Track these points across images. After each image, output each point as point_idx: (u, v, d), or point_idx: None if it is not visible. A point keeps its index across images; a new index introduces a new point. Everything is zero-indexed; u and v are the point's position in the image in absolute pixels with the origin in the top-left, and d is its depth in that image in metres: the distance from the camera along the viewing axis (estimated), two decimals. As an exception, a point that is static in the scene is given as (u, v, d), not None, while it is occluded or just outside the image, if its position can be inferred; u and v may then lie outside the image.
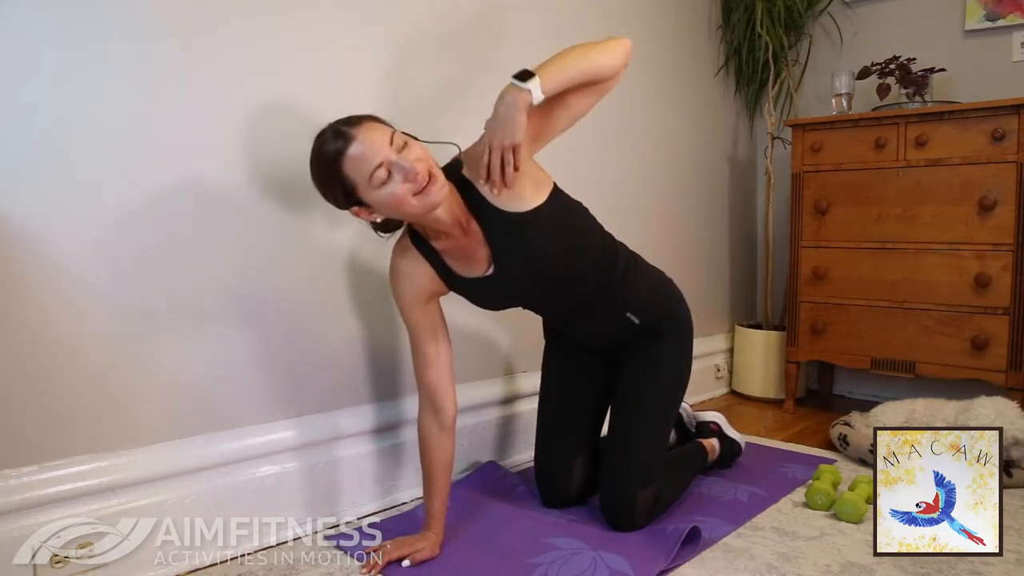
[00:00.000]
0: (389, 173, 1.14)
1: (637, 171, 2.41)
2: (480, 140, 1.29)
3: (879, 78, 2.35)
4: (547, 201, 1.31)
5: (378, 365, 1.64)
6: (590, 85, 1.29)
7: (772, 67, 2.67)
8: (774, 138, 2.73)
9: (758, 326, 2.78)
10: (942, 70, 2.31)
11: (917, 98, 2.29)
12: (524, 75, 1.20)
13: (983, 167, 2.08)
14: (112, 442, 1.25)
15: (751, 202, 3.04)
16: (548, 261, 1.32)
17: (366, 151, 1.12)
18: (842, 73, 2.43)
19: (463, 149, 1.33)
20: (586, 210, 1.44)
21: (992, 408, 1.75)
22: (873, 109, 2.34)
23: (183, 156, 1.31)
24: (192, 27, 1.31)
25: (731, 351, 2.87)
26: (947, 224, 2.15)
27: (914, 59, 2.31)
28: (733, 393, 2.83)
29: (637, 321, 1.49)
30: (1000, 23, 2.36)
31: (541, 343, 1.72)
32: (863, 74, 2.38)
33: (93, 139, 1.20)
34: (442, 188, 1.18)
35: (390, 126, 1.19)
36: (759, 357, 2.69)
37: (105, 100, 1.21)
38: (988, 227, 2.08)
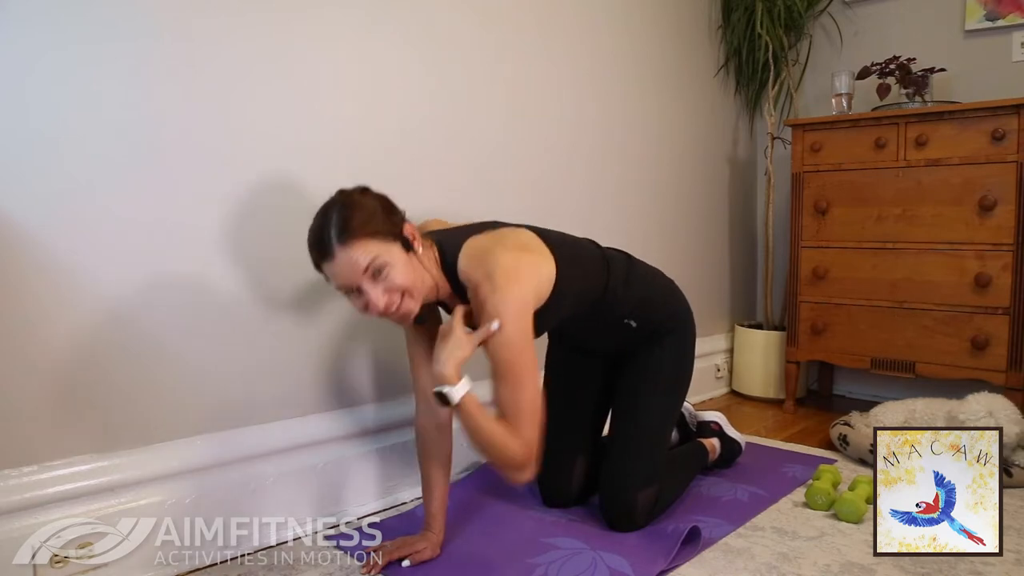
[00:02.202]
0: (354, 292, 1.18)
1: (637, 171, 2.41)
2: (481, 262, 1.23)
3: (879, 78, 2.35)
4: (542, 306, 1.28)
5: (379, 365, 1.64)
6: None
7: (772, 67, 2.67)
8: (774, 138, 2.73)
9: (758, 326, 2.78)
10: (942, 70, 2.31)
11: (917, 98, 2.29)
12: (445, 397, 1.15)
13: (983, 167, 2.08)
14: (112, 442, 1.25)
15: (751, 202, 3.04)
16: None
17: (338, 271, 1.15)
18: (842, 73, 2.43)
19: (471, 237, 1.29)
20: (579, 257, 1.39)
21: (984, 405, 1.75)
22: (873, 109, 2.34)
23: (183, 155, 1.31)
24: (191, 26, 1.31)
25: (731, 351, 2.87)
26: (947, 224, 2.15)
27: (914, 59, 2.31)
28: (733, 393, 2.83)
29: (635, 325, 1.49)
30: (1000, 23, 2.36)
31: (544, 343, 1.72)
32: (863, 74, 2.37)
33: (93, 139, 1.20)
34: (407, 319, 1.21)
35: (384, 235, 1.16)
36: (759, 357, 2.69)
37: (103, 100, 1.21)
38: (988, 227, 2.08)
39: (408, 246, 1.20)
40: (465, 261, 1.26)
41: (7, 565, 1.11)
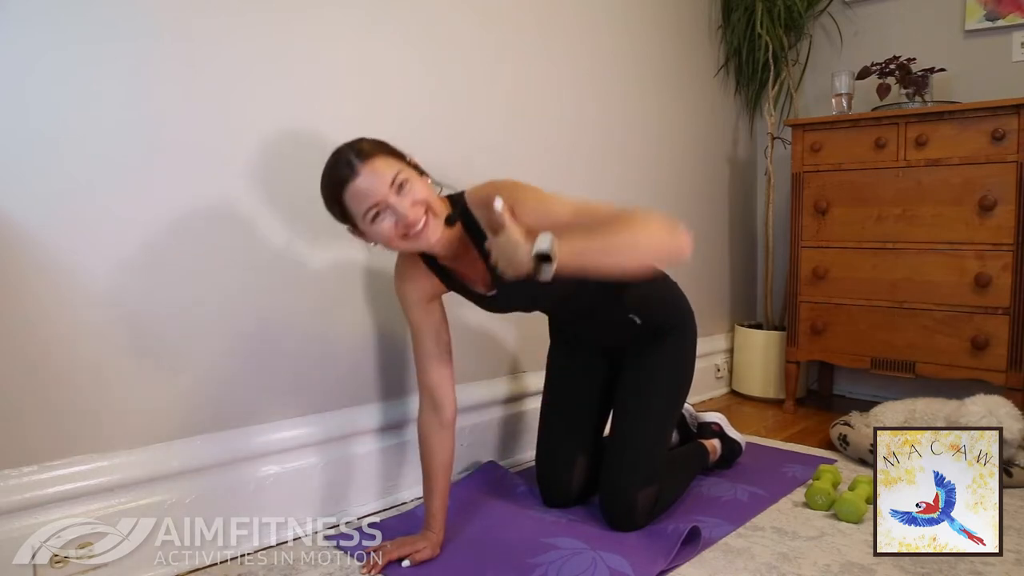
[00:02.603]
0: (382, 212, 1.17)
1: (637, 171, 2.41)
2: (486, 185, 1.29)
3: (879, 78, 2.35)
4: None
5: (380, 365, 1.64)
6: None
7: (772, 67, 2.67)
8: (774, 138, 2.73)
9: (758, 326, 2.78)
10: (942, 70, 2.31)
11: (917, 98, 2.29)
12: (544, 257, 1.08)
13: (983, 167, 2.08)
14: (112, 442, 1.25)
15: (751, 202, 3.04)
16: (550, 289, 1.30)
17: (365, 189, 1.16)
18: (842, 73, 2.43)
19: (466, 190, 1.32)
20: None
21: (983, 406, 1.75)
22: (873, 109, 2.34)
23: (183, 155, 1.31)
24: (191, 26, 1.31)
25: (731, 351, 2.87)
26: (947, 224, 2.15)
27: (914, 59, 2.31)
28: (733, 393, 2.83)
29: (639, 321, 1.49)
30: (1000, 23, 2.36)
31: (546, 342, 1.72)
32: (863, 74, 2.37)
33: (93, 139, 1.20)
34: (433, 233, 1.21)
35: (399, 158, 1.21)
36: (759, 357, 2.69)
37: (103, 100, 1.21)
38: (988, 227, 2.08)
39: (420, 171, 1.24)
40: (472, 191, 1.30)
41: (7, 565, 1.11)
